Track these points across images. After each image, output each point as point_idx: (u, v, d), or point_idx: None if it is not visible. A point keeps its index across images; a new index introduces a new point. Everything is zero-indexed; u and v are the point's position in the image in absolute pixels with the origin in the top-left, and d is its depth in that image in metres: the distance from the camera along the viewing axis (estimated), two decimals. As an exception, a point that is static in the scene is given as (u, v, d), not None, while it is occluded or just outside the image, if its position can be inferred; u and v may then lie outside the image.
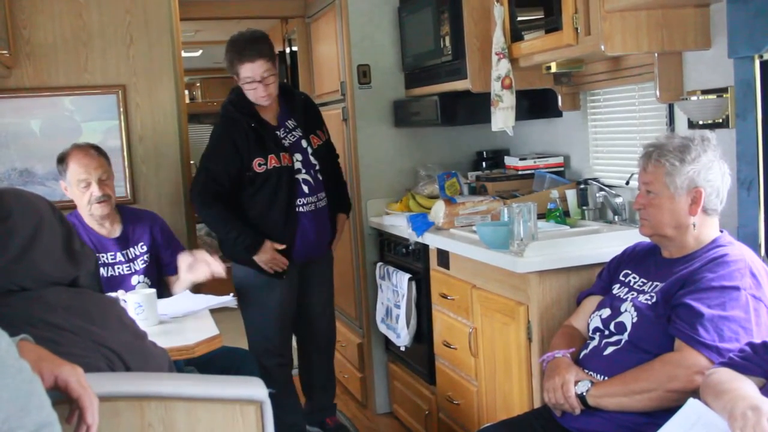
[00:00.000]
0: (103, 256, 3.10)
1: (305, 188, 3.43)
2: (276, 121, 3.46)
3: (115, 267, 3.11)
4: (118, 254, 3.12)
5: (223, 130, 3.37)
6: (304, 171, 3.44)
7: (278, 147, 3.37)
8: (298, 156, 3.43)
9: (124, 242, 3.12)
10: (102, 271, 3.08)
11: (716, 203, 2.19)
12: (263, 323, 3.52)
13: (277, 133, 3.42)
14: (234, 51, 3.30)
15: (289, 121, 3.49)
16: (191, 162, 4.05)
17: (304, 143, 3.48)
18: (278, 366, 3.57)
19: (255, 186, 3.36)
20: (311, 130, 3.52)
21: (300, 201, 3.42)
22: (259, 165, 3.32)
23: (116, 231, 3.14)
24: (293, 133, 3.47)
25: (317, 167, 3.50)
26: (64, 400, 1.47)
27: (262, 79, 3.29)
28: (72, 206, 3.29)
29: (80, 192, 3.05)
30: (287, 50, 5.45)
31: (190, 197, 3.56)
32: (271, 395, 1.71)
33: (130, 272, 3.12)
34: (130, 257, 3.12)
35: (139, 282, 3.12)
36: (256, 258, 3.34)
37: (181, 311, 2.77)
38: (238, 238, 3.34)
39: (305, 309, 3.67)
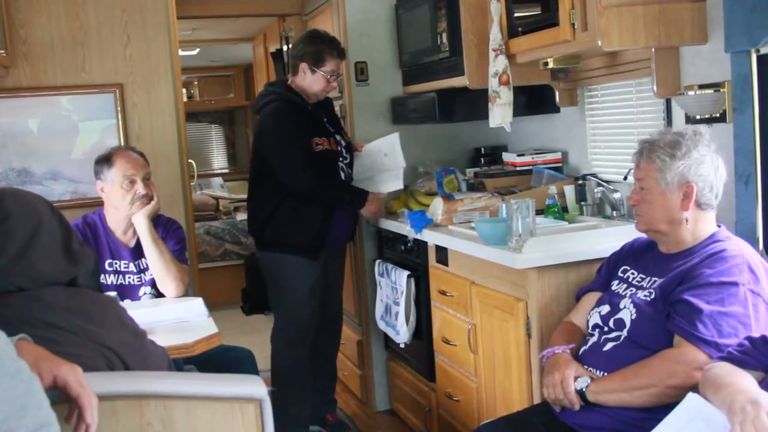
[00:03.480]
0: (116, 263, 3.09)
1: (342, 175, 3.61)
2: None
3: (126, 276, 3.10)
4: (131, 264, 3.10)
5: (285, 113, 3.51)
6: (341, 159, 3.63)
7: (327, 132, 3.59)
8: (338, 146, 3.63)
9: (137, 252, 3.09)
10: (112, 278, 3.07)
11: (710, 198, 2.19)
12: (296, 308, 3.61)
13: (324, 120, 3.64)
14: (330, 46, 3.55)
15: (324, 119, 3.67)
16: (189, 161, 4.05)
17: (338, 137, 3.66)
18: (302, 354, 3.63)
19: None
20: (340, 128, 3.74)
21: None
22: (316, 144, 3.50)
23: (133, 240, 3.12)
24: (329, 127, 3.66)
25: (348, 160, 3.68)
26: (63, 399, 1.47)
27: (339, 75, 3.60)
28: (70, 206, 3.30)
29: (123, 190, 3.03)
30: (284, 48, 5.44)
31: (289, 184, 3.49)
32: (272, 393, 1.71)
33: (139, 283, 3.11)
34: (141, 268, 3.11)
35: (145, 293, 3.11)
36: (363, 212, 3.60)
37: (148, 321, 2.53)
38: (349, 200, 3.58)
39: (323, 294, 3.74)
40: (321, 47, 3.52)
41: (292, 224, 3.53)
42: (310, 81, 3.54)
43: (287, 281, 3.60)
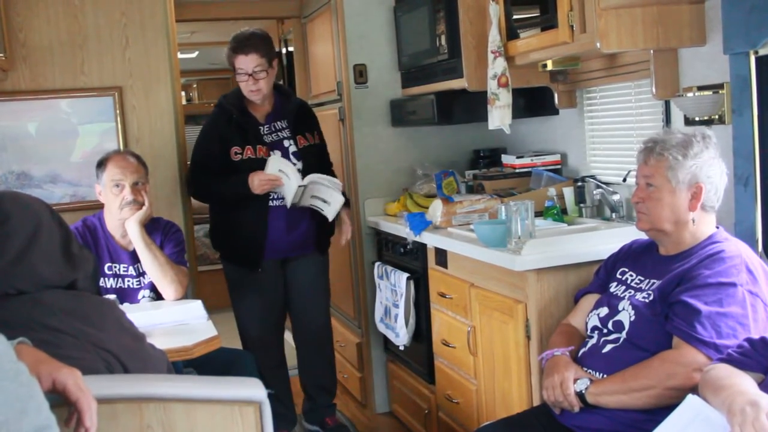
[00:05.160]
0: (115, 266, 3.10)
1: None
2: (264, 119, 3.57)
3: (125, 279, 3.10)
4: (131, 267, 3.11)
5: (211, 119, 3.60)
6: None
7: (257, 140, 3.49)
8: (276, 153, 3.50)
9: (136, 256, 3.08)
10: (112, 281, 3.08)
11: (714, 201, 2.20)
12: (247, 316, 3.64)
13: (261, 128, 3.54)
14: (231, 44, 3.47)
15: (279, 122, 3.59)
16: (188, 163, 4.05)
17: (287, 143, 3.55)
18: (264, 358, 3.62)
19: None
20: (299, 132, 3.59)
21: (272, 195, 3.49)
22: (236, 154, 3.47)
23: (133, 244, 3.12)
24: (279, 133, 3.57)
25: (298, 165, 3.54)
26: (62, 403, 1.47)
27: (253, 73, 3.42)
28: (69, 209, 3.29)
29: (113, 195, 3.06)
30: (283, 51, 5.45)
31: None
32: (269, 396, 1.71)
33: (138, 286, 3.11)
34: (141, 271, 3.10)
35: (144, 297, 3.11)
36: (254, 191, 3.39)
37: (148, 324, 2.55)
38: (229, 188, 3.45)
39: (293, 306, 3.73)
40: (228, 47, 3.49)
41: (227, 235, 3.57)
42: (239, 85, 3.51)
43: (232, 291, 3.64)
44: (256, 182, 3.36)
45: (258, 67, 3.41)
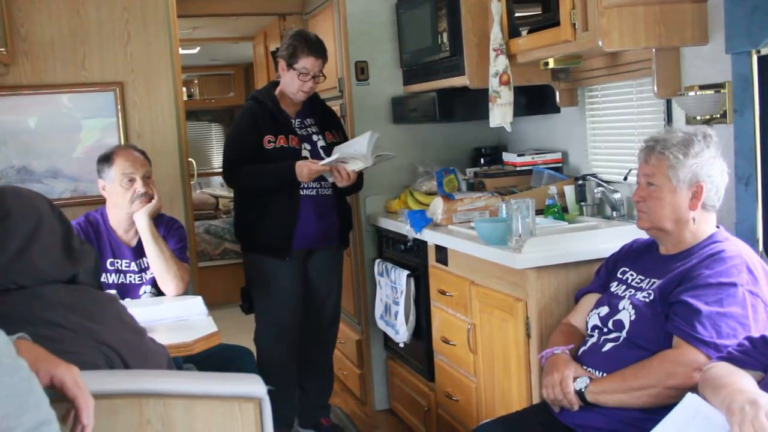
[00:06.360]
0: (117, 262, 3.10)
1: None
2: (295, 115, 3.62)
3: (127, 275, 3.10)
4: (133, 263, 3.10)
5: (245, 110, 3.63)
6: (310, 158, 3.53)
7: (289, 131, 3.54)
8: (306, 145, 3.56)
9: (139, 252, 3.09)
10: (113, 277, 3.08)
11: (715, 200, 2.19)
12: (273, 308, 3.61)
13: (293, 121, 3.59)
14: (303, 42, 3.51)
15: (308, 119, 3.64)
16: (189, 159, 4.05)
17: (315, 137, 3.60)
18: (283, 355, 3.62)
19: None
20: (327, 128, 3.66)
21: (303, 184, 3.51)
22: (268, 142, 3.49)
23: (135, 239, 3.12)
24: (308, 128, 3.62)
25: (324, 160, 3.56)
26: (62, 398, 1.47)
27: (315, 76, 3.51)
28: (70, 204, 3.29)
29: (123, 189, 3.04)
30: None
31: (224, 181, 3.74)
32: (270, 392, 1.71)
33: (140, 282, 3.11)
34: (142, 267, 3.11)
35: (145, 292, 3.11)
36: (300, 179, 3.42)
37: (148, 319, 2.52)
38: (275, 178, 3.46)
39: (306, 301, 3.70)
40: (296, 43, 3.51)
41: (257, 225, 3.55)
42: (287, 79, 3.52)
43: (261, 282, 3.62)
44: (306, 172, 3.39)
45: (320, 71, 3.53)
